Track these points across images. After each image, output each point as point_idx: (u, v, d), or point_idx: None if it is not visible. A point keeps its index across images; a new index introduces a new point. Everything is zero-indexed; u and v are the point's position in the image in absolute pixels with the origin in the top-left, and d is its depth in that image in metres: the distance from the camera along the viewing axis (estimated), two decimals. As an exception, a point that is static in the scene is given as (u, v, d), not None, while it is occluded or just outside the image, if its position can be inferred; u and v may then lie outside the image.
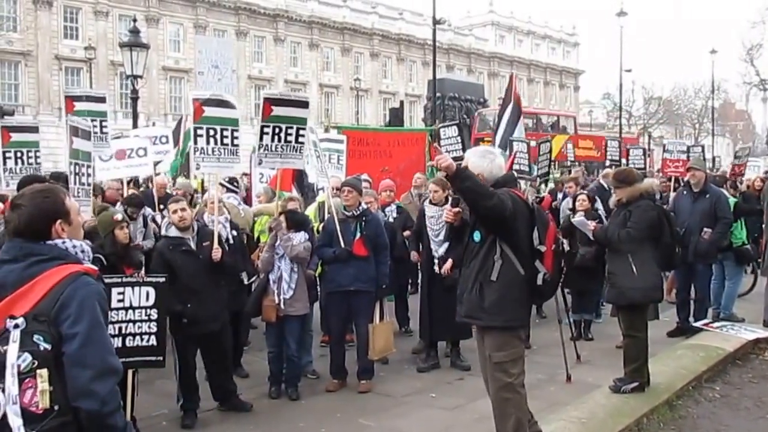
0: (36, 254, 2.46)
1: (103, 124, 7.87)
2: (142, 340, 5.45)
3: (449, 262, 7.10)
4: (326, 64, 61.58)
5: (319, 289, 7.47)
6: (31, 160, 7.72)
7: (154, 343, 5.51)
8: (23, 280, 2.40)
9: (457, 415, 6.10)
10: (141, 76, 16.91)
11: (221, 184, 8.02)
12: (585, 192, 9.05)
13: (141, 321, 5.45)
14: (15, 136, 7.69)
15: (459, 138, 11.79)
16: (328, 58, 61.70)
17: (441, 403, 6.50)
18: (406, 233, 8.48)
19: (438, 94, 25.27)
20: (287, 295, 6.59)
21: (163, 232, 6.47)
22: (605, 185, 10.78)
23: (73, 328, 2.35)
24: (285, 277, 6.61)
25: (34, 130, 7.98)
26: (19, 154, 7.66)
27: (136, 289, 5.48)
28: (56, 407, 2.26)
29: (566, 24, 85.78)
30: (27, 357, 2.23)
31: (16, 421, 2.18)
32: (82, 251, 2.62)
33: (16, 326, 2.26)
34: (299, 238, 6.69)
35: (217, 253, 6.06)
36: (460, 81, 33.71)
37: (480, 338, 4.74)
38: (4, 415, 2.18)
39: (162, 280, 5.70)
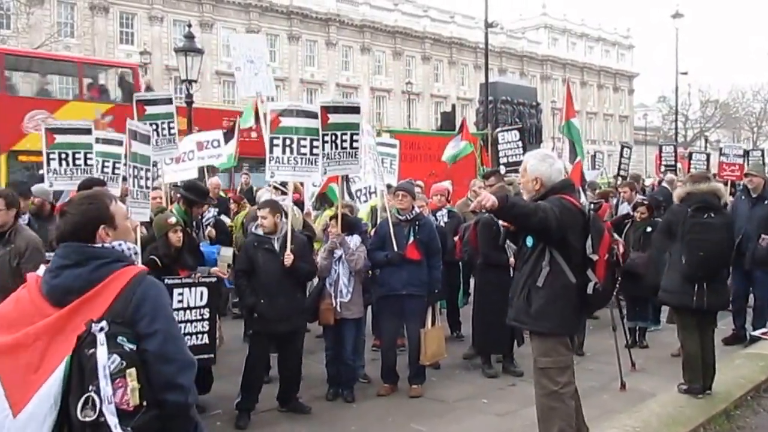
0: (98, 257, 2.52)
1: (171, 125, 7.96)
2: (196, 339, 5.76)
3: None
4: (378, 68, 61.77)
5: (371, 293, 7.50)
6: (79, 162, 7.81)
7: (206, 341, 5.84)
8: (91, 284, 2.46)
9: (510, 422, 6.06)
10: (196, 81, 17.21)
11: (275, 188, 8.14)
12: (645, 202, 8.89)
13: (196, 320, 5.77)
14: (59, 138, 7.83)
15: (520, 143, 11.69)
16: (379, 61, 61.88)
17: (493, 408, 6.47)
18: (457, 238, 8.46)
19: (490, 98, 25.09)
20: (345, 298, 6.68)
21: (252, 230, 6.73)
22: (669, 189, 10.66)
23: (152, 326, 2.43)
24: (343, 280, 6.69)
25: (86, 132, 8.11)
26: (63, 155, 7.78)
27: (193, 289, 5.81)
28: (145, 403, 2.34)
29: (621, 26, 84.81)
30: (116, 358, 2.30)
31: (112, 420, 2.25)
32: (135, 253, 2.74)
33: (102, 329, 2.32)
34: (354, 241, 6.77)
35: (288, 259, 6.18)
36: (513, 84, 33.29)
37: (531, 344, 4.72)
38: (100, 414, 2.25)
39: (214, 280, 6.06)
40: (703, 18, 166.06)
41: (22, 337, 2.39)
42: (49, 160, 7.81)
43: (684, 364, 6.23)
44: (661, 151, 16.44)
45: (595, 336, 8.21)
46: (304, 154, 6.62)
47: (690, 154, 15.35)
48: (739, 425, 5.86)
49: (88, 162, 7.89)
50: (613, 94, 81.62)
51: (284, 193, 8.22)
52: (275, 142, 6.60)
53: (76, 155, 7.83)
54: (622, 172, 14.06)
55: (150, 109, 7.81)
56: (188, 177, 9.08)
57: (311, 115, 6.70)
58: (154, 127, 7.70)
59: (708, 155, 15.83)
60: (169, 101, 8.12)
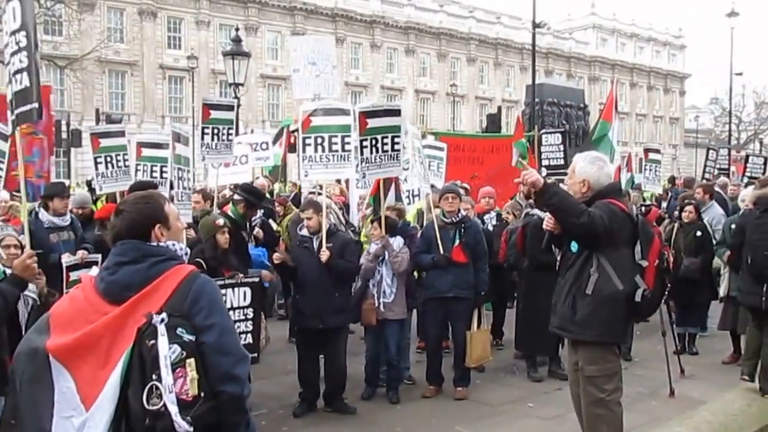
0: (155, 255, 2.61)
1: (230, 131, 8.08)
2: (241, 339, 5.74)
3: None
4: (422, 70, 61.79)
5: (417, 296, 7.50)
6: (120, 164, 8.08)
7: (250, 341, 5.94)
8: (149, 280, 2.54)
9: (555, 426, 6.01)
10: (242, 84, 17.43)
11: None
12: (693, 202, 8.71)
13: (239, 320, 5.86)
14: (104, 142, 8.09)
15: (562, 147, 11.58)
16: (424, 63, 61.90)
17: (539, 412, 6.43)
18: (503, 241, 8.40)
19: (536, 100, 24.88)
20: (388, 299, 6.72)
21: (298, 231, 6.87)
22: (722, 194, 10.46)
23: (209, 320, 2.51)
24: (386, 281, 6.73)
25: (120, 134, 8.33)
26: (108, 159, 8.04)
27: (236, 290, 5.91)
28: (203, 394, 2.40)
29: (672, 26, 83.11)
30: (176, 348, 2.37)
31: (173, 409, 2.32)
32: (186, 253, 2.81)
33: (162, 321, 2.39)
34: (397, 243, 6.80)
35: (324, 255, 6.26)
36: (560, 86, 32.98)
37: (571, 351, 4.64)
38: (163, 404, 2.32)
39: (257, 279, 6.15)
40: (758, 16, 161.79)
41: (87, 335, 2.47)
42: (96, 164, 8.03)
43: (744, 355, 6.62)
44: (708, 154, 16.10)
45: (644, 341, 8.08)
46: (336, 151, 6.73)
47: (747, 157, 14.92)
48: (794, 435, 5.71)
49: (126, 163, 8.08)
50: (663, 95, 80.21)
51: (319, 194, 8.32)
52: (307, 142, 6.73)
53: (117, 158, 8.08)
54: (707, 175, 13.72)
55: (214, 114, 7.93)
56: (242, 180, 9.22)
57: (341, 112, 6.84)
58: (216, 131, 7.83)
59: (766, 159, 15.40)
60: (231, 108, 8.27)
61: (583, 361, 4.41)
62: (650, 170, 10.49)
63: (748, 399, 6.40)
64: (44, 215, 6.97)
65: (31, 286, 4.35)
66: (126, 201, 2.83)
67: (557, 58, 69.51)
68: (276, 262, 6.48)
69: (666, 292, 4.43)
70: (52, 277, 4.83)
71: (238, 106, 17.48)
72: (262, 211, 9.25)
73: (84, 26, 35.48)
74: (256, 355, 6.05)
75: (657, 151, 10.95)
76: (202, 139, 7.69)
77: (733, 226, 8.02)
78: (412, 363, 7.52)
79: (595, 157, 4.63)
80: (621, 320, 4.37)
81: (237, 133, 17.07)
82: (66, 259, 6.05)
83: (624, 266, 4.25)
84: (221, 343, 2.50)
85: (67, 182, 15.80)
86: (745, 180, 13.14)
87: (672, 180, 11.27)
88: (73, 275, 5.76)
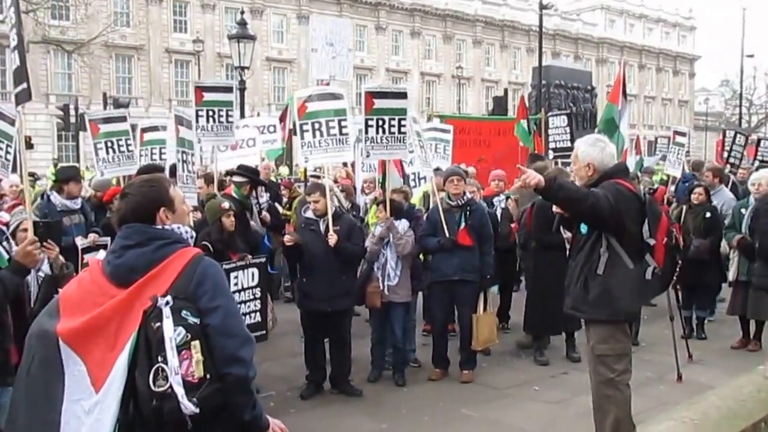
0: (160, 238, 2.62)
1: (229, 113, 8.10)
2: (250, 318, 6.06)
3: None
4: (428, 52, 61.45)
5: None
6: (122, 148, 8.07)
7: (259, 319, 6.17)
8: (154, 262, 2.55)
9: (561, 410, 6.01)
10: (248, 67, 17.39)
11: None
12: (703, 184, 8.64)
13: (249, 300, 6.08)
14: (103, 128, 8.10)
15: (568, 129, 11.50)
16: (429, 46, 61.55)
17: (545, 396, 6.42)
18: (515, 225, 8.35)
19: (543, 82, 24.74)
20: (392, 282, 6.72)
21: (302, 213, 6.93)
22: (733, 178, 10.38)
23: (213, 302, 2.52)
24: (390, 264, 6.73)
25: (122, 119, 8.32)
26: (109, 144, 8.03)
27: (245, 271, 6.10)
28: (208, 376, 2.41)
29: (682, 6, 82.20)
30: (181, 331, 2.38)
31: (179, 390, 2.34)
32: (192, 237, 2.84)
33: (167, 303, 2.41)
34: (402, 226, 6.77)
35: (332, 239, 6.27)
36: (567, 68, 32.80)
37: (587, 332, 4.64)
38: (169, 386, 2.34)
39: (263, 260, 6.37)
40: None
41: (96, 318, 2.48)
42: (97, 150, 8.03)
43: None
44: (725, 136, 15.88)
45: (651, 326, 8.05)
46: (334, 135, 6.77)
47: (758, 141, 14.70)
48: (803, 420, 5.67)
49: (129, 148, 8.08)
50: (672, 77, 79.58)
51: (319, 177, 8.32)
52: (305, 128, 6.79)
53: (119, 143, 8.06)
54: (732, 160, 13.45)
55: (207, 96, 7.99)
56: (250, 163, 9.21)
57: (336, 96, 6.90)
58: (211, 113, 7.85)
59: None
60: (229, 89, 8.28)
61: (594, 340, 4.43)
62: (674, 153, 10.30)
63: (757, 384, 6.35)
64: (57, 198, 7.06)
65: (44, 266, 4.37)
66: (131, 184, 2.86)
67: (564, 39, 68.95)
68: (288, 244, 6.46)
69: (677, 269, 4.40)
70: (66, 259, 4.83)
71: (244, 89, 17.62)
72: (268, 194, 9.24)
73: (90, 11, 35.39)
74: (265, 332, 6.30)
75: (684, 135, 10.64)
76: (197, 121, 7.75)
77: (742, 210, 7.98)
78: (418, 346, 7.53)
79: (595, 139, 4.67)
80: (633, 299, 4.40)
81: (243, 116, 17.13)
82: (80, 242, 6.12)
83: (633, 245, 4.27)
84: (226, 326, 2.51)
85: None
86: (756, 164, 13.00)
87: (699, 166, 10.88)
88: (87, 257, 5.82)
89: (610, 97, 11.63)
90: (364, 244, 6.73)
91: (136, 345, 2.41)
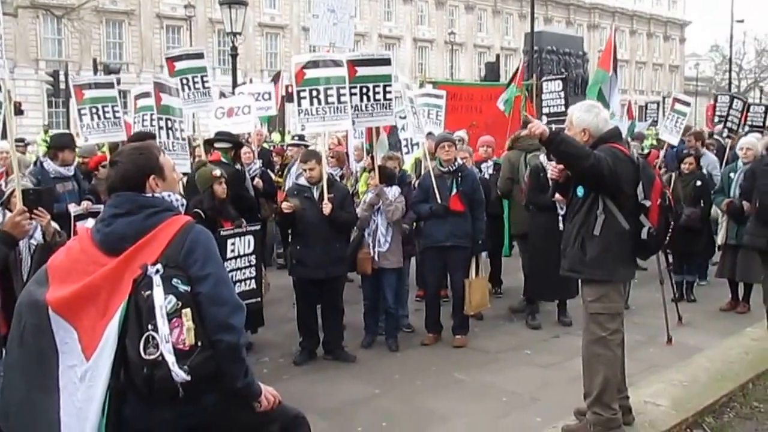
0: (150, 206, 2.61)
1: (204, 79, 8.05)
2: (245, 285, 6.08)
3: None
4: (420, 18, 60.85)
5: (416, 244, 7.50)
6: (108, 115, 7.96)
7: (254, 286, 6.19)
8: (144, 231, 2.55)
9: (553, 373, 6.07)
10: (240, 33, 17.22)
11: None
12: (693, 153, 8.66)
13: (245, 267, 6.10)
14: (88, 93, 7.99)
15: (563, 93, 11.45)
16: (422, 11, 60.93)
17: (536, 360, 6.49)
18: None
19: (535, 48, 24.54)
20: (383, 248, 6.73)
21: (293, 180, 6.91)
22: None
23: (204, 270, 2.53)
24: (381, 230, 6.74)
25: (109, 86, 8.22)
26: (94, 110, 7.93)
27: (242, 238, 6.11)
28: (199, 343, 2.43)
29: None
30: (172, 299, 2.40)
31: (170, 358, 2.36)
32: (182, 205, 2.85)
33: (157, 272, 2.42)
34: (393, 192, 6.77)
35: (326, 208, 6.26)
36: (559, 34, 32.45)
37: (582, 292, 4.68)
38: (160, 354, 2.35)
39: (258, 227, 6.39)
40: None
41: (86, 286, 2.49)
42: (81, 115, 7.96)
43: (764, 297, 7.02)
44: (716, 101, 15.82)
45: (642, 290, 8.11)
46: (332, 104, 6.64)
47: (748, 106, 14.64)
48: (789, 381, 5.78)
49: (116, 115, 8.02)
50: (663, 43, 79.23)
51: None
52: (302, 94, 6.65)
53: (105, 109, 7.97)
54: (730, 125, 13.38)
55: (179, 65, 8.00)
56: (245, 130, 9.18)
57: (336, 64, 6.74)
58: (185, 81, 7.88)
59: (767, 107, 15.16)
60: (199, 56, 8.22)
61: (588, 298, 4.48)
62: (672, 119, 10.20)
63: (744, 347, 6.47)
64: (50, 165, 7.01)
65: (37, 234, 4.34)
66: (121, 152, 2.84)
67: (556, 5, 68.32)
68: (286, 211, 6.36)
69: (670, 230, 4.46)
70: (60, 226, 4.80)
71: (236, 55, 17.44)
72: (261, 161, 9.21)
73: (80, -26, 34.77)
74: (259, 299, 6.36)
75: (686, 104, 10.40)
76: (180, 92, 7.70)
77: (731, 175, 8.05)
78: (411, 311, 7.58)
79: (590, 105, 4.71)
80: (628, 259, 4.48)
81: (235, 82, 16.96)
82: (73, 209, 6.11)
83: (629, 207, 4.33)
84: (216, 294, 2.52)
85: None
86: (746, 129, 13.00)
87: (687, 131, 10.63)
88: (79, 225, 5.81)
89: (600, 62, 11.60)
90: (355, 211, 6.73)
91: (126, 313, 2.42)
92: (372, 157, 7.26)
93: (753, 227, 7.06)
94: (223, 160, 7.13)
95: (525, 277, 7.76)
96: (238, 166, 7.41)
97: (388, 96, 6.90)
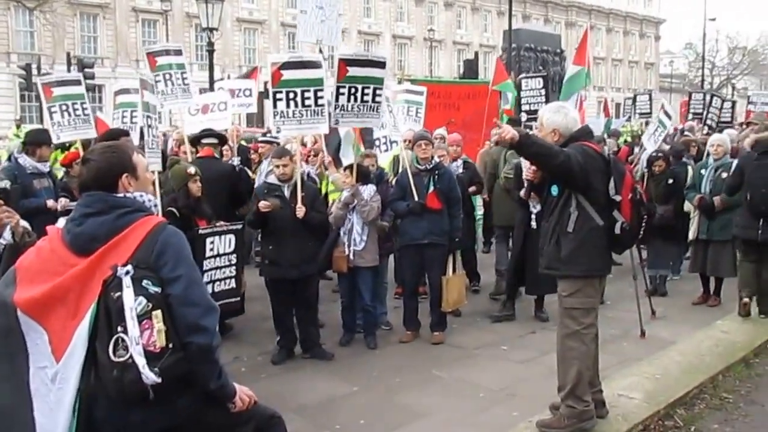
0: (121, 206, 2.59)
1: (184, 75, 8.01)
2: (225, 284, 6.03)
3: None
4: (400, 15, 60.85)
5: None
6: (78, 112, 7.84)
7: (233, 285, 6.12)
8: (115, 231, 2.53)
9: (529, 368, 6.14)
10: (217, 29, 17.08)
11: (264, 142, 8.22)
12: (661, 155, 8.76)
13: (224, 266, 6.02)
14: (57, 91, 7.86)
15: (543, 91, 11.53)
16: (401, 8, 60.90)
17: (513, 355, 6.55)
18: (472, 189, 8.43)
19: (513, 45, 24.69)
20: (358, 246, 6.71)
21: (263, 178, 6.79)
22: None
23: (175, 271, 2.51)
24: (357, 229, 6.72)
25: (77, 83, 8.11)
26: (64, 107, 7.81)
27: (222, 237, 6.03)
28: (171, 345, 2.42)
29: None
30: (142, 300, 2.38)
31: (140, 360, 2.34)
32: (155, 205, 2.80)
33: (127, 273, 2.39)
34: (368, 191, 6.79)
35: (300, 212, 6.20)
36: (537, 31, 32.68)
37: (558, 288, 4.74)
38: (130, 356, 2.34)
39: (240, 227, 6.26)
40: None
41: (56, 287, 2.46)
42: (51, 113, 7.86)
43: (740, 285, 7.40)
44: (690, 98, 16.01)
45: (615, 284, 8.19)
46: (309, 107, 6.49)
47: (722, 103, 14.74)
48: (758, 373, 5.92)
49: (86, 112, 7.95)
50: (639, 40, 79.94)
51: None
52: (278, 96, 6.47)
53: (75, 106, 7.86)
54: (709, 122, 13.51)
55: (161, 60, 7.92)
56: (220, 127, 9.14)
57: (313, 65, 6.59)
58: (168, 77, 7.82)
59: (734, 103, 15.40)
60: (179, 52, 8.18)
61: (563, 292, 4.55)
62: (654, 126, 10.12)
63: (715, 339, 6.60)
64: (27, 161, 6.94)
65: (6, 234, 4.28)
66: (93, 150, 2.80)
67: (535, 3, 68.66)
68: (263, 210, 6.14)
69: (643, 224, 4.55)
70: (38, 222, 4.72)
71: (212, 51, 17.33)
72: (239, 158, 9.19)
73: (54, -35, 34.22)
74: (239, 298, 6.34)
75: (670, 117, 10.17)
76: (157, 87, 7.64)
77: (702, 171, 8.20)
78: (389, 309, 7.60)
79: (558, 106, 4.87)
80: (603, 254, 4.54)
81: (212, 78, 16.83)
82: (60, 206, 6.08)
83: (601, 203, 4.41)
84: (188, 295, 2.50)
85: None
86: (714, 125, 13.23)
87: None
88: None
89: (577, 58, 11.70)
90: (326, 211, 6.72)
91: (96, 315, 2.39)
92: (333, 157, 7.25)
93: (744, 220, 7.23)
94: (216, 156, 7.12)
95: (510, 269, 7.82)
96: (236, 161, 7.38)
97: (377, 99, 6.75)
